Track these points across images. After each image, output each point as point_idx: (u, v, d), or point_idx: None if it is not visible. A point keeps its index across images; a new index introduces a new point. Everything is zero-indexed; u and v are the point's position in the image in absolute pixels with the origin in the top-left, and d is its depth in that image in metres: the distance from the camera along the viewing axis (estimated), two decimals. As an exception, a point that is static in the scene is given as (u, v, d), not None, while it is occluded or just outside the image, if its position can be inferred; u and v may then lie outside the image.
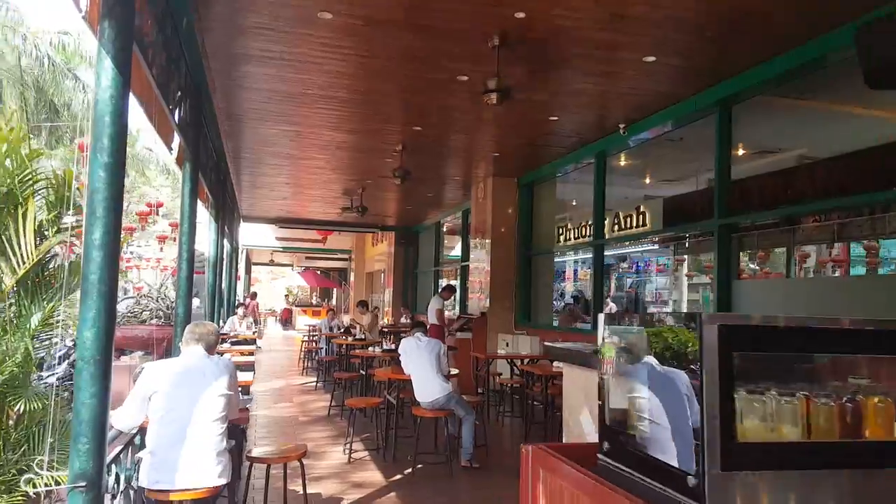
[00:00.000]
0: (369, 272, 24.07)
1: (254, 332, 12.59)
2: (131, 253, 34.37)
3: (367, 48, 5.45)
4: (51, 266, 4.34)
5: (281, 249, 25.12)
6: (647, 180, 10.66)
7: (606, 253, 13.59)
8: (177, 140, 5.75)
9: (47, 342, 4.74)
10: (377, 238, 21.31)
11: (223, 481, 3.42)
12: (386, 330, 13.64)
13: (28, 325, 3.98)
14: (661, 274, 15.18)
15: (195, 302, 14.62)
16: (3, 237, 3.93)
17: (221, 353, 7.66)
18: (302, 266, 31.66)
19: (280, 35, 5.28)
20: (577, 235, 11.45)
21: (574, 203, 11.87)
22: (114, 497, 3.50)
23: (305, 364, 13.49)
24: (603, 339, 1.94)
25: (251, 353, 8.57)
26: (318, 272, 31.46)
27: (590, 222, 10.92)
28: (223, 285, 13.05)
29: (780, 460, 1.46)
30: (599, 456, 1.88)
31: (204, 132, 7.18)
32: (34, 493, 3.05)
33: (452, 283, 13.61)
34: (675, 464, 1.50)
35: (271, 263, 31.70)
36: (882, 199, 5.72)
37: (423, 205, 14.62)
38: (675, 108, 6.67)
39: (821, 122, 7.46)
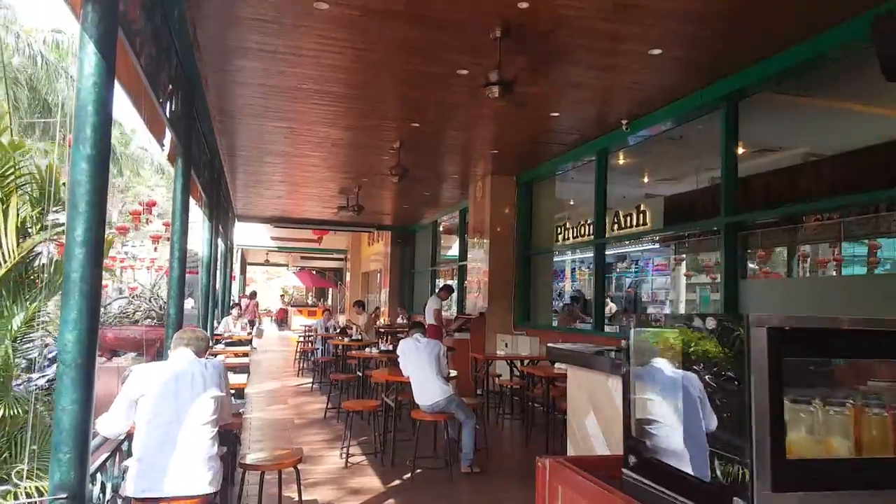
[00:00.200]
0: (365, 272, 23.88)
1: (249, 333, 12.41)
2: (126, 253, 34.16)
3: (364, 40, 5.28)
4: (35, 265, 4.16)
5: (276, 249, 24.93)
6: (646, 179, 10.52)
7: (606, 252, 13.52)
8: (168, 136, 5.58)
9: (29, 344, 4.54)
10: (373, 238, 21.13)
11: (213, 489, 3.25)
12: (383, 330, 13.47)
13: (9, 327, 3.80)
14: (661, 273, 15.05)
15: (189, 302, 14.46)
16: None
17: (214, 355, 7.52)
18: (297, 266, 31.45)
19: (274, 27, 5.11)
20: (575, 235, 11.32)
21: (573, 202, 11.74)
22: (100, 507, 3.33)
23: (301, 365, 13.32)
24: (629, 342, 1.77)
25: (245, 355, 8.38)
26: (314, 272, 31.26)
27: (589, 221, 10.78)
28: (217, 285, 12.86)
29: (833, 479, 1.31)
30: (625, 471, 1.72)
31: (196, 128, 7.01)
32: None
33: (450, 282, 13.43)
34: (713, 480, 1.34)
35: (267, 263, 31.50)
36: (885, 196, 5.58)
37: (419, 204, 14.45)
38: (679, 103, 6.51)
39: (824, 119, 7.33)
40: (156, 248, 22.29)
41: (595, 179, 8.36)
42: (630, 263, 15.22)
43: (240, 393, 5.44)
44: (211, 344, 9.01)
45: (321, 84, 6.37)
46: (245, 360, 7.32)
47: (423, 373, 5.63)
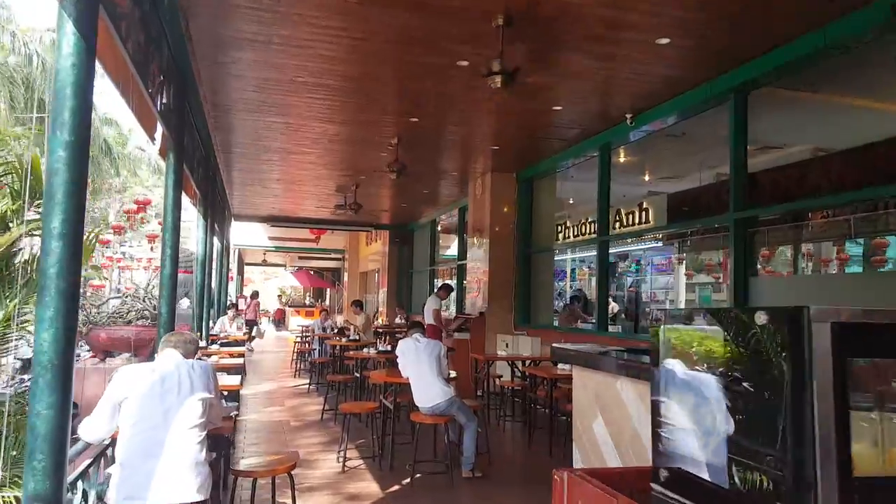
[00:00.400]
0: (363, 272, 23.69)
1: (246, 333, 12.23)
2: (123, 254, 33.93)
3: (360, 29, 5.10)
4: (16, 261, 3.98)
5: (273, 249, 24.75)
6: (647, 177, 10.36)
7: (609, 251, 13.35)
8: (160, 130, 5.40)
9: (8, 345, 4.35)
10: (371, 237, 20.95)
11: (202, 496, 3.06)
12: (381, 330, 13.29)
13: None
14: (662, 272, 14.87)
15: (185, 302, 14.27)
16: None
17: (209, 356, 7.34)
18: (295, 266, 31.25)
19: (268, 15, 4.92)
20: (576, 233, 11.13)
21: (575, 199, 11.57)
22: (81, 517, 3.15)
23: (298, 366, 13.13)
24: (659, 342, 1.60)
25: (241, 355, 8.20)
26: (312, 272, 31.06)
27: (590, 219, 10.62)
28: (213, 285, 12.67)
29: (902, 498, 1.13)
30: (654, 486, 1.54)
31: (190, 122, 6.82)
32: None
33: (448, 282, 13.24)
34: (763, 500, 1.16)
35: (264, 263, 31.31)
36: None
37: (418, 202, 14.27)
38: (686, 95, 6.33)
39: (831, 115, 7.17)
40: (152, 248, 22.12)
41: (598, 175, 8.18)
42: (632, 262, 15.04)
43: (233, 395, 5.25)
44: (206, 344, 8.85)
45: (317, 76, 6.18)
46: (239, 360, 7.14)
47: (422, 374, 5.45)
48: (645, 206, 9.28)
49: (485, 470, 5.60)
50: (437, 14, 4.76)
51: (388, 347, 8.44)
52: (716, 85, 5.95)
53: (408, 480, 5.33)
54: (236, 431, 6.79)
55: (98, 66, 4.07)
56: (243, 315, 20.08)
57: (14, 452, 3.49)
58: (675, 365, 1.51)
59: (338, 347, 10.31)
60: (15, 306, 3.71)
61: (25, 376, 8.78)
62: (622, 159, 8.77)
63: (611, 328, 8.84)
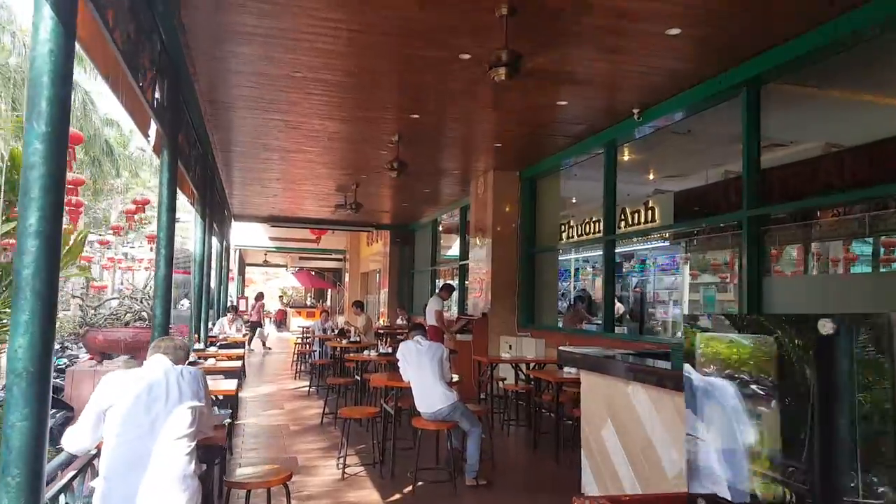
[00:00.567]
0: (364, 272, 23.51)
1: (245, 334, 12.06)
2: (125, 254, 33.79)
3: (360, 21, 4.92)
4: (1, 259, 3.80)
5: (274, 249, 24.59)
6: (651, 176, 10.17)
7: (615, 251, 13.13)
8: (153, 127, 5.23)
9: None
10: (372, 237, 20.77)
11: (191, 512, 2.89)
12: (382, 332, 13.12)
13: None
14: (667, 272, 14.65)
15: (185, 303, 14.09)
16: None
17: (205, 358, 7.17)
18: (296, 266, 31.10)
19: (266, 7, 4.74)
20: (580, 233, 10.95)
21: (578, 198, 11.38)
22: (63, 533, 2.97)
23: (298, 367, 12.96)
24: (695, 350, 1.42)
25: (239, 358, 8.02)
26: (313, 273, 30.90)
27: (594, 219, 10.43)
28: (212, 285, 12.50)
29: None
30: (691, 517, 1.36)
31: (186, 119, 6.65)
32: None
33: (451, 282, 13.05)
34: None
35: (265, 264, 31.15)
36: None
37: (419, 202, 14.09)
38: (696, 89, 6.14)
39: (840, 111, 6.98)
40: (152, 249, 21.97)
41: (604, 173, 8.00)
42: (637, 262, 14.82)
43: (227, 401, 5.08)
44: (204, 346, 8.67)
45: (316, 71, 6.01)
46: (237, 363, 6.96)
47: (424, 378, 5.26)
48: (651, 204, 9.10)
49: (489, 477, 5.41)
50: (437, 4, 4.58)
51: (389, 349, 8.26)
52: (727, 78, 5.77)
53: (409, 489, 5.15)
54: (232, 437, 6.61)
55: (87, 59, 3.92)
56: (250, 317, 20.02)
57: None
58: (714, 377, 1.34)
59: (338, 349, 10.14)
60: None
61: None
62: (626, 157, 8.59)
63: (616, 329, 8.64)
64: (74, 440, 2.90)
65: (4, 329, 3.83)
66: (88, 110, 22.20)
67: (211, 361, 6.72)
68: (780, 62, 5.24)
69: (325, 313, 14.14)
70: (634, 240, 11.22)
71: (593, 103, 6.80)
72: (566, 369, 6.40)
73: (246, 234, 21.02)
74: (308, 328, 14.27)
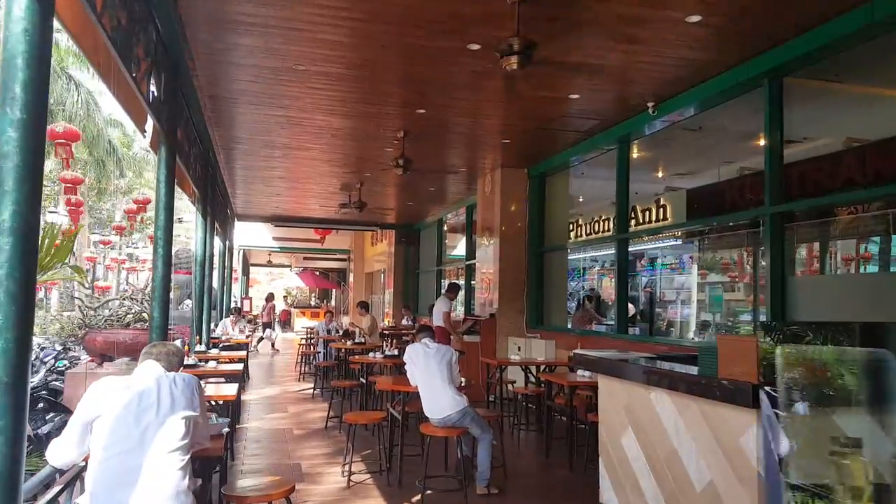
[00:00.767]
0: (369, 272, 23.31)
1: (248, 336, 11.86)
2: (128, 255, 33.67)
3: (364, 9, 4.69)
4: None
5: (279, 250, 24.40)
6: (660, 174, 9.93)
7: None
8: (150, 122, 5.02)
9: None
10: (376, 237, 20.57)
11: (184, 531, 2.68)
12: (386, 332, 12.91)
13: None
14: (676, 272, 14.39)
15: (188, 304, 13.90)
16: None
17: (207, 360, 6.96)
18: (300, 267, 30.92)
19: (265, -6, 4.54)
20: (588, 231, 10.72)
21: (587, 197, 11.15)
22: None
23: (302, 369, 12.75)
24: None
25: (241, 360, 7.82)
26: (317, 273, 30.72)
27: (603, 217, 10.21)
28: (214, 286, 12.31)
29: None
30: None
31: (185, 115, 6.45)
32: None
33: (457, 281, 12.81)
34: None
35: (269, 264, 30.98)
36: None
37: (424, 200, 13.87)
38: (715, 81, 5.90)
39: (856, 106, 6.72)
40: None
41: (616, 169, 7.77)
42: (649, 261, 14.56)
43: (227, 407, 4.86)
44: (205, 347, 8.46)
45: (318, 64, 5.79)
46: (238, 366, 6.76)
47: (432, 382, 5.03)
48: (662, 202, 8.87)
49: (501, 485, 5.19)
50: (447, -10, 4.36)
51: (396, 351, 8.04)
52: (747, 69, 5.52)
53: (418, 498, 4.93)
54: (233, 441, 6.40)
55: (87, 58, 3.71)
56: (261, 318, 19.92)
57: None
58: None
59: (343, 351, 9.92)
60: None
61: (34, 380, 8.43)
62: (635, 155, 8.36)
63: (629, 330, 8.39)
64: (59, 453, 2.69)
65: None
66: (91, 110, 22.06)
67: (212, 364, 6.51)
68: (804, 51, 5.00)
69: (330, 313, 13.92)
70: (645, 238, 11.00)
71: (606, 96, 6.56)
72: (580, 371, 6.17)
73: (250, 235, 20.87)
74: (312, 329, 14.07)
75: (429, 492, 4.99)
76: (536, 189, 9.95)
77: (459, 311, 12.52)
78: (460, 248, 15.15)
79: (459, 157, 9.60)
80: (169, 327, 8.88)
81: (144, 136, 5.41)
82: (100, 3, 3.18)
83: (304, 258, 29.04)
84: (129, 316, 9.45)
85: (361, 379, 7.98)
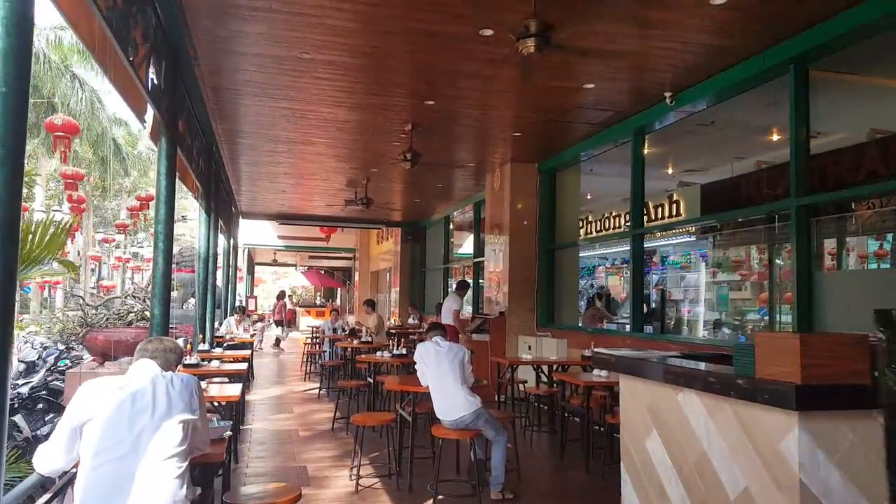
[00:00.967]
0: (374, 271, 23.12)
1: (252, 334, 11.67)
2: (133, 254, 33.56)
3: (373, -8, 4.49)
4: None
5: (284, 248, 24.22)
6: (670, 170, 9.69)
7: (627, 248, 12.62)
8: (150, 111, 4.82)
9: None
10: (382, 235, 20.37)
11: (182, 545, 2.47)
12: (393, 331, 12.70)
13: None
14: (687, 270, 14.14)
15: (192, 302, 13.73)
16: None
17: (210, 360, 6.75)
18: (305, 265, 30.75)
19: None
20: (598, 228, 10.49)
21: (594, 194, 10.94)
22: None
23: (308, 368, 12.55)
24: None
25: (245, 359, 7.62)
26: (322, 271, 30.54)
27: (614, 213, 9.98)
28: (218, 284, 12.13)
29: None
30: None
31: (187, 107, 6.25)
32: None
33: (466, 279, 12.58)
34: None
35: (274, 263, 30.81)
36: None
37: (431, 197, 13.65)
38: (736, 69, 5.66)
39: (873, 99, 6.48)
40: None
41: (632, 162, 7.52)
42: (668, 257, 14.29)
43: (230, 409, 4.65)
44: (209, 346, 8.26)
45: (324, 52, 5.57)
46: (242, 366, 6.55)
47: (444, 382, 4.81)
48: (675, 197, 8.64)
49: (516, 490, 4.97)
50: (460, -30, 4.15)
51: (404, 351, 7.82)
52: (771, 56, 5.29)
53: (430, 502, 4.71)
54: (237, 443, 6.20)
55: (78, 45, 3.51)
56: (272, 316, 19.80)
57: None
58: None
59: (349, 350, 9.71)
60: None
61: (19, 381, 8.27)
62: (644, 150, 8.13)
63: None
64: (46, 460, 2.48)
65: None
66: (96, 109, 21.92)
67: (214, 364, 6.30)
68: (831, 37, 4.77)
69: (336, 312, 13.74)
70: (657, 234, 10.76)
71: (622, 86, 6.33)
72: (595, 371, 5.95)
73: (255, 233, 20.71)
74: (318, 328, 13.88)
75: (440, 497, 4.77)
76: (547, 184, 9.72)
77: (467, 310, 12.30)
78: (467, 246, 14.93)
79: (468, 151, 9.38)
80: (172, 326, 8.67)
81: (144, 127, 5.22)
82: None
83: (310, 257, 28.88)
84: (130, 314, 9.28)
85: (369, 378, 7.77)
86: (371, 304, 12.41)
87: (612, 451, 5.52)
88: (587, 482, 5.43)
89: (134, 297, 9.80)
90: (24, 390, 7.64)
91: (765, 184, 7.93)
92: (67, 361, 9.09)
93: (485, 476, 4.85)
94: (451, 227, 15.49)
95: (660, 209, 8.67)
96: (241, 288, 21.34)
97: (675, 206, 8.60)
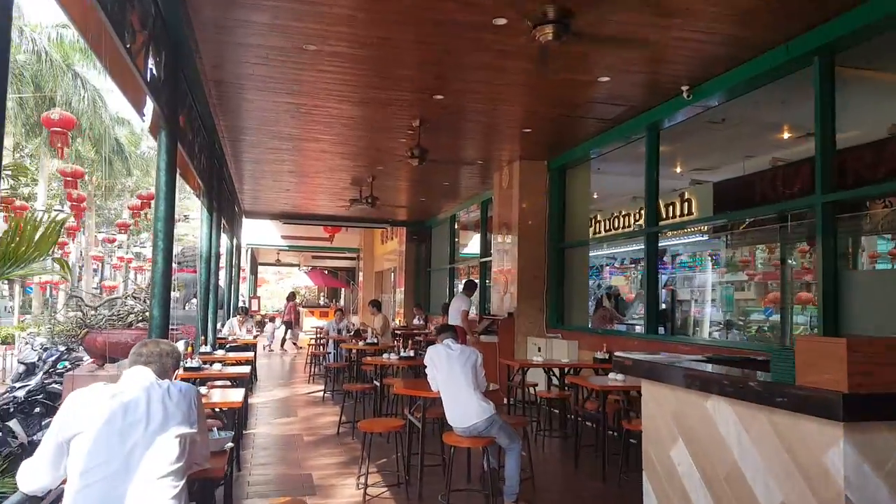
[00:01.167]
0: (379, 271, 22.91)
1: (255, 336, 11.48)
2: (135, 254, 33.41)
3: (382, -22, 4.28)
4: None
5: (287, 248, 24.04)
6: (678, 169, 9.48)
7: (637, 247, 12.40)
8: (150, 104, 4.62)
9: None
10: (387, 235, 20.16)
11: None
12: (398, 332, 12.48)
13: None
14: (704, 268, 13.89)
15: (195, 303, 13.55)
16: None
17: (211, 363, 6.56)
18: (309, 266, 30.55)
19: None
20: (607, 227, 10.28)
21: (605, 192, 10.73)
22: None
23: (312, 370, 12.35)
24: None
25: (248, 362, 7.42)
26: (326, 272, 30.34)
27: (623, 212, 9.77)
28: (221, 284, 11.94)
29: None
30: None
31: (189, 101, 6.07)
32: None
33: (473, 278, 12.37)
34: None
35: (278, 263, 30.62)
36: None
37: (437, 196, 13.44)
38: (758, 60, 5.44)
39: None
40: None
41: (646, 159, 7.30)
42: (670, 258, 14.06)
43: (231, 415, 4.45)
44: (211, 349, 8.06)
45: (330, 43, 5.37)
46: (245, 369, 6.35)
47: (456, 387, 4.60)
48: (687, 196, 8.43)
49: (531, 499, 4.76)
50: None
51: (412, 353, 7.61)
52: (796, 46, 5.07)
53: (441, 513, 4.50)
54: (241, 448, 6.01)
55: (79, 44, 3.32)
56: (282, 317, 19.69)
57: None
58: None
59: (354, 352, 9.50)
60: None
61: (31, 382, 8.09)
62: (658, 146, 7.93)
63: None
64: (30, 477, 2.27)
65: None
66: (98, 107, 21.77)
67: (216, 367, 6.10)
68: (861, 25, 4.55)
69: (340, 312, 13.54)
70: (668, 234, 10.55)
71: (638, 79, 6.11)
72: (611, 375, 5.74)
73: (258, 233, 20.53)
74: (321, 328, 13.68)
75: (452, 507, 4.57)
76: (557, 182, 9.51)
77: (472, 311, 12.09)
78: (472, 246, 14.72)
79: (477, 147, 9.17)
80: (174, 327, 8.46)
81: (143, 120, 5.02)
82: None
83: (313, 257, 28.69)
84: (131, 316, 9.09)
85: (375, 382, 7.56)
86: (376, 305, 12.20)
87: (629, 457, 5.31)
88: (603, 490, 5.22)
89: (134, 297, 9.61)
90: (21, 394, 7.44)
91: (780, 181, 7.72)
92: (67, 363, 8.90)
93: (498, 485, 4.63)
94: (457, 226, 15.28)
95: (670, 208, 8.46)
96: (245, 288, 21.17)
97: (686, 204, 8.38)
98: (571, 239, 9.46)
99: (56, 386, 7.86)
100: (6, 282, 32.18)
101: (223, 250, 12.40)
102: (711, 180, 8.89)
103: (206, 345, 8.08)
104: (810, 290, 9.10)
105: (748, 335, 10.30)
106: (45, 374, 8.04)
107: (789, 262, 9.60)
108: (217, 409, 4.37)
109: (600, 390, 5.52)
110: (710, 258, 12.04)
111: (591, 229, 10.28)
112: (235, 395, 4.60)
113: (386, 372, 7.70)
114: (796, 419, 2.87)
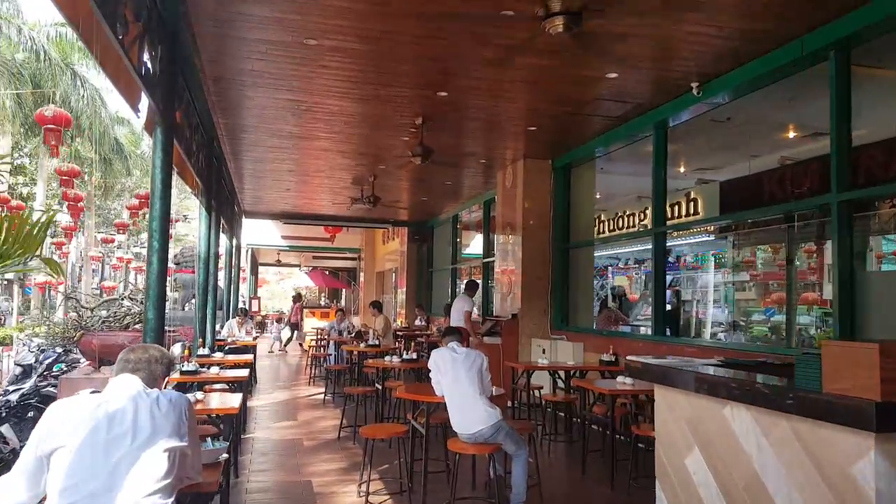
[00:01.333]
0: (380, 271, 22.75)
1: (255, 338, 11.33)
2: (135, 254, 33.27)
3: (386, -32, 4.14)
4: None
5: (287, 249, 23.90)
6: (682, 168, 9.33)
7: (640, 248, 12.24)
8: (145, 100, 4.48)
9: None
10: (388, 235, 20.01)
11: None
12: (399, 333, 12.33)
13: None
14: (695, 270, 13.74)
15: (194, 304, 13.42)
16: None
17: (209, 366, 6.41)
18: (309, 266, 30.40)
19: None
20: (611, 228, 10.13)
21: (609, 192, 10.58)
22: None
23: (312, 372, 12.19)
24: None
25: (247, 365, 7.27)
26: (326, 272, 30.20)
27: (628, 212, 9.62)
28: (220, 285, 11.79)
29: None
30: None
31: (186, 98, 5.91)
32: None
33: (475, 279, 12.22)
34: None
35: (278, 264, 30.48)
36: None
37: (439, 196, 13.28)
38: (771, 56, 5.29)
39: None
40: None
41: (653, 157, 7.15)
42: (674, 258, 13.91)
43: (228, 421, 4.29)
44: (209, 351, 7.91)
45: (331, 37, 5.22)
46: (243, 372, 6.19)
47: (462, 392, 4.45)
48: (692, 195, 8.28)
49: (536, 506, 4.61)
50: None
51: (414, 355, 7.46)
52: (811, 41, 4.92)
53: (446, 523, 4.35)
54: (239, 454, 5.86)
55: (78, 43, 3.18)
56: (288, 319, 19.60)
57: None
58: None
59: (356, 354, 9.34)
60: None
61: (10, 388, 7.94)
62: (650, 149, 7.77)
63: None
64: (6, 495, 2.11)
65: None
66: (97, 107, 21.64)
67: (214, 370, 5.95)
68: (881, 17, 4.39)
69: (341, 312, 13.37)
70: (673, 234, 10.40)
71: (646, 75, 5.96)
72: (620, 378, 5.59)
73: (258, 233, 20.39)
74: (322, 330, 13.52)
75: (457, 516, 4.41)
76: (561, 182, 9.36)
77: (475, 312, 11.94)
78: (474, 247, 14.56)
79: (480, 146, 9.00)
80: (172, 329, 8.27)
81: (138, 116, 4.88)
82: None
83: (314, 257, 28.54)
84: (128, 317, 8.94)
85: (377, 385, 7.41)
86: (377, 306, 12.05)
87: (637, 463, 5.16)
88: (612, 498, 5.07)
89: (131, 298, 9.46)
90: (14, 398, 7.29)
91: (789, 180, 7.57)
92: (63, 366, 8.75)
93: (505, 493, 4.48)
94: (459, 226, 15.13)
95: (676, 207, 8.31)
96: (245, 289, 21.03)
97: (692, 204, 8.24)
98: (576, 239, 9.32)
99: (51, 389, 7.71)
100: (5, 282, 32.03)
101: (222, 250, 12.25)
102: (717, 179, 8.76)
103: (203, 347, 7.92)
104: (817, 291, 8.97)
105: (762, 337, 10.13)
106: (39, 376, 7.89)
107: (795, 262, 9.46)
108: (212, 415, 4.22)
109: (608, 394, 5.36)
110: (721, 259, 11.87)
111: (595, 229, 10.14)
112: (233, 401, 4.45)
113: (388, 375, 7.55)
114: (822, 428, 2.71)
